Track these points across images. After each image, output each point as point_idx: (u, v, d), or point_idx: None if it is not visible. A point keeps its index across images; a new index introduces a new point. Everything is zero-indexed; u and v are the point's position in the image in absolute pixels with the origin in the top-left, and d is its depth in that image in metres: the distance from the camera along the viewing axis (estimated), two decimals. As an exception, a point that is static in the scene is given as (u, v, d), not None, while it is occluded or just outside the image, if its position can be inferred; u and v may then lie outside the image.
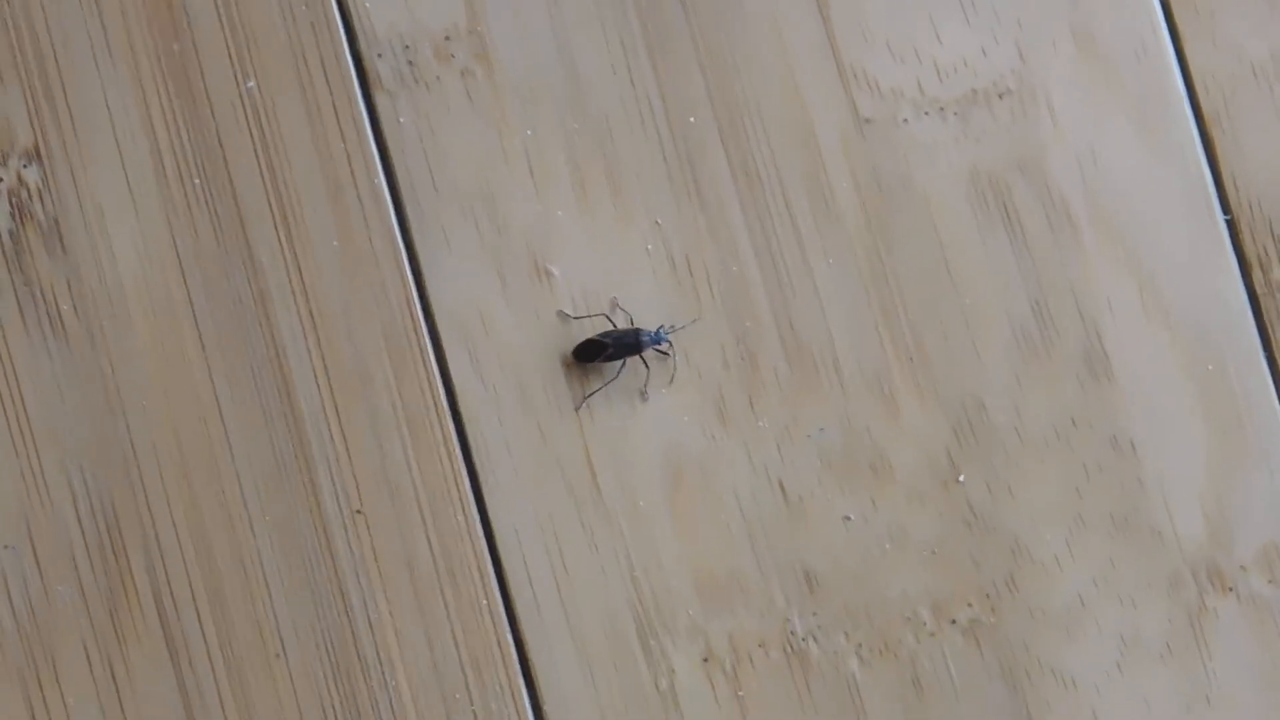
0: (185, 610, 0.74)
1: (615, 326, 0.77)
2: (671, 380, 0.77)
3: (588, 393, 0.77)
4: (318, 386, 0.76)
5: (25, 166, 0.76)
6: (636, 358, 0.77)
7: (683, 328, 0.77)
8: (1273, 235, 0.79)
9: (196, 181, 0.77)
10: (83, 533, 0.75)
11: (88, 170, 0.76)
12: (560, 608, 0.76)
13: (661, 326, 0.77)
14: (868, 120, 0.79)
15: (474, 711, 0.75)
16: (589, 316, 0.77)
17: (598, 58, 0.78)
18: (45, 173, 0.76)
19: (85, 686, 0.74)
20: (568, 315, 0.77)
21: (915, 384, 0.77)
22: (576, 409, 0.77)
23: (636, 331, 0.76)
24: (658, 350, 0.77)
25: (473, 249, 0.77)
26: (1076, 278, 0.78)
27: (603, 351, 0.76)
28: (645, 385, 0.77)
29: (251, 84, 0.77)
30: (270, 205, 0.77)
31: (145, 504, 0.75)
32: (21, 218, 0.76)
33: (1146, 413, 0.78)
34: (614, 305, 0.77)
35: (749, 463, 0.77)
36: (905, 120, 0.79)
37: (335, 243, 0.77)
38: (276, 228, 0.77)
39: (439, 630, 0.75)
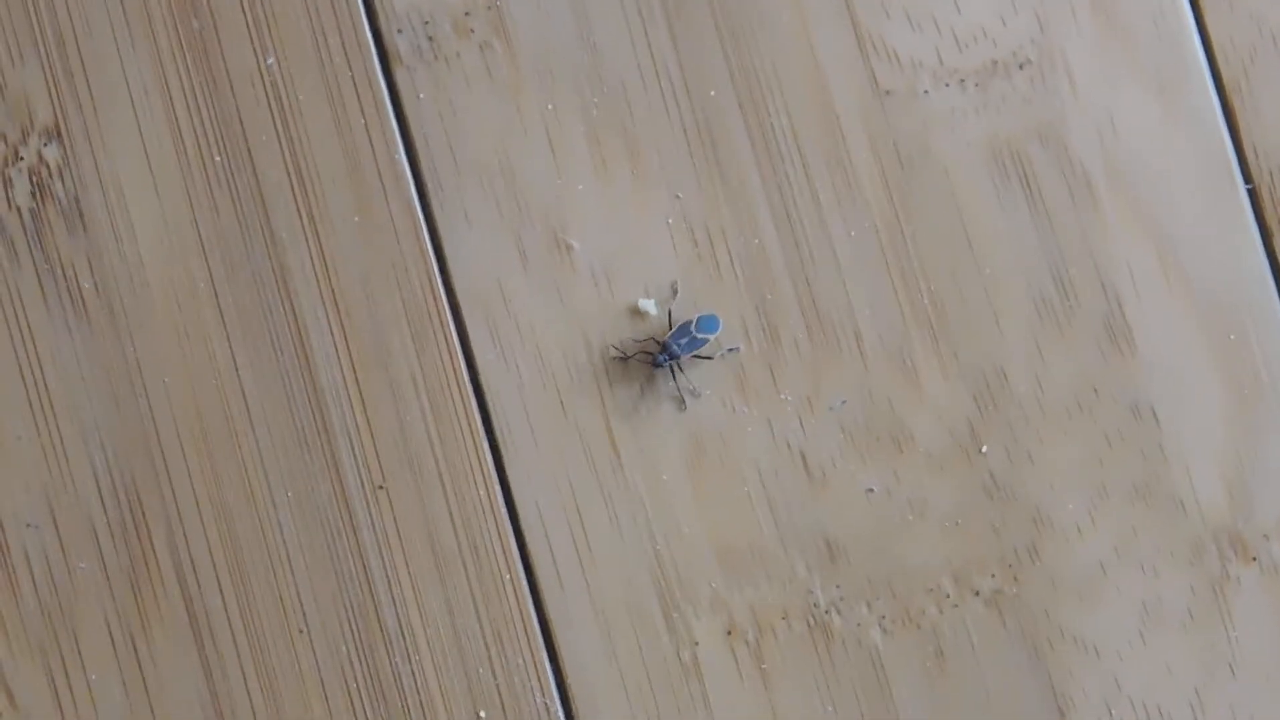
0: (208, 586, 0.73)
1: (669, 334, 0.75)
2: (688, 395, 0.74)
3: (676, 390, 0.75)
4: (339, 362, 0.74)
5: (45, 145, 0.75)
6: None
7: (732, 349, 0.75)
8: (1293, 203, 0.77)
9: (217, 158, 0.75)
10: (104, 510, 0.73)
11: (108, 148, 0.75)
12: (583, 581, 0.73)
13: (681, 337, 0.74)
14: (887, 91, 0.76)
15: (497, 686, 0.73)
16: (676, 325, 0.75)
17: (616, 31, 0.76)
18: (65, 151, 0.75)
19: (108, 663, 0.73)
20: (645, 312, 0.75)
21: (936, 354, 0.75)
22: (682, 410, 0.74)
23: (670, 340, 0.74)
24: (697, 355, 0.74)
25: (493, 223, 0.75)
26: (1097, 247, 0.76)
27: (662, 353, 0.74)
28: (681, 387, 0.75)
29: (271, 61, 0.75)
30: (290, 181, 0.75)
31: (167, 480, 0.73)
32: (42, 196, 0.74)
33: (1168, 381, 0.75)
34: (674, 288, 0.75)
35: (770, 435, 0.74)
36: (925, 91, 0.76)
37: (355, 218, 0.75)
38: (297, 204, 0.75)
39: (462, 605, 0.73)
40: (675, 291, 0.75)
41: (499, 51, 0.76)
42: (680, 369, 0.74)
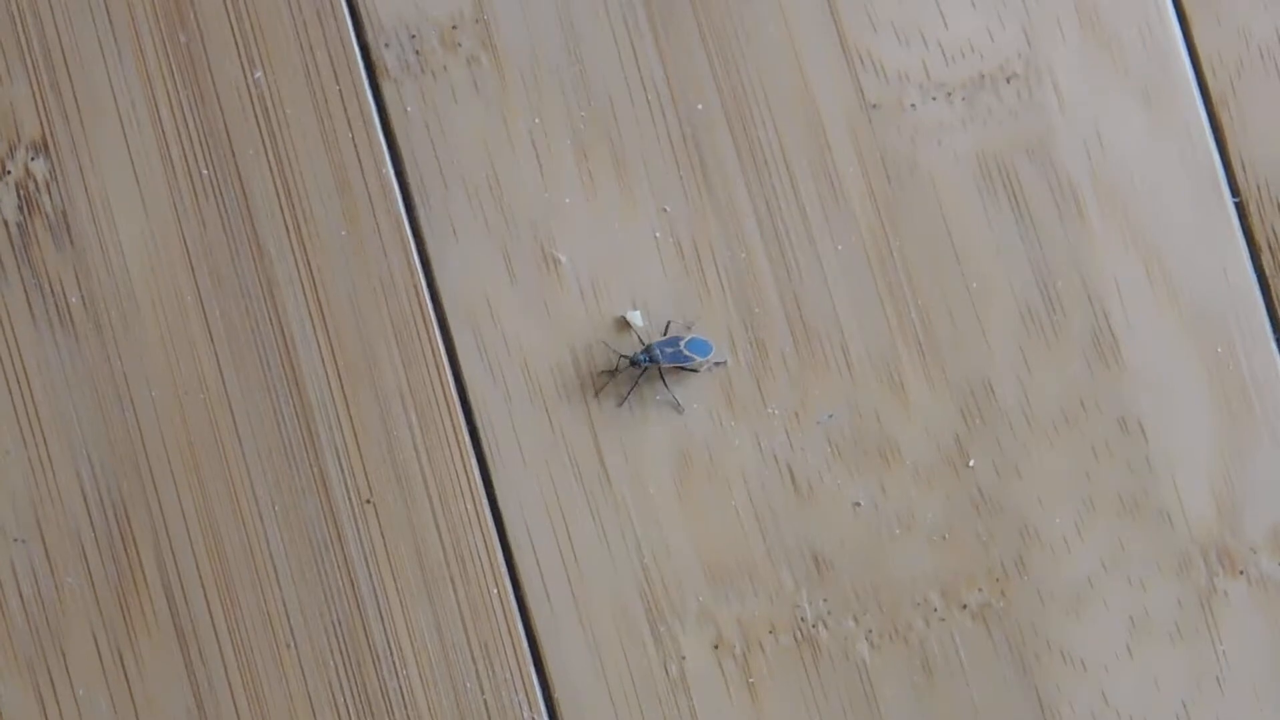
0: (195, 600, 0.72)
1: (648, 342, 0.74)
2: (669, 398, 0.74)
3: (626, 392, 0.74)
4: (326, 376, 0.73)
5: (33, 159, 0.74)
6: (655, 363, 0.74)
7: (719, 362, 0.75)
8: (1281, 216, 0.76)
9: (204, 172, 0.74)
10: (92, 524, 0.73)
11: (95, 162, 0.74)
12: (570, 595, 0.73)
13: (656, 345, 0.74)
14: (874, 105, 0.76)
15: (484, 700, 0.73)
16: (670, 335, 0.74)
17: (603, 45, 0.76)
18: (52, 164, 0.74)
19: (95, 677, 0.72)
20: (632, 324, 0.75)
21: (923, 368, 0.74)
22: (619, 405, 0.74)
23: (655, 345, 0.73)
24: (684, 367, 0.74)
25: (480, 236, 0.74)
26: (1084, 260, 0.75)
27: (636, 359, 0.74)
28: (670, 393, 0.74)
29: (258, 74, 0.75)
30: (278, 195, 0.74)
31: (154, 495, 0.73)
32: (29, 210, 0.74)
33: (1155, 394, 0.75)
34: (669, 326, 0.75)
35: (757, 449, 0.74)
36: (912, 105, 0.76)
37: (343, 232, 0.74)
38: (284, 217, 0.74)
39: (449, 619, 0.73)
40: (670, 324, 0.74)
41: (486, 65, 0.75)
42: (663, 380, 0.74)
